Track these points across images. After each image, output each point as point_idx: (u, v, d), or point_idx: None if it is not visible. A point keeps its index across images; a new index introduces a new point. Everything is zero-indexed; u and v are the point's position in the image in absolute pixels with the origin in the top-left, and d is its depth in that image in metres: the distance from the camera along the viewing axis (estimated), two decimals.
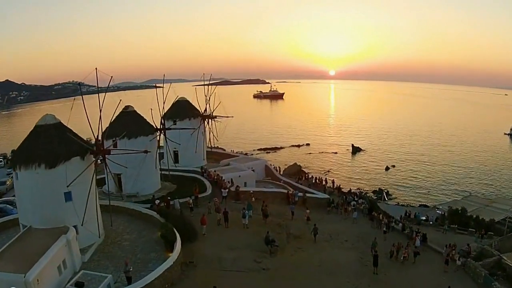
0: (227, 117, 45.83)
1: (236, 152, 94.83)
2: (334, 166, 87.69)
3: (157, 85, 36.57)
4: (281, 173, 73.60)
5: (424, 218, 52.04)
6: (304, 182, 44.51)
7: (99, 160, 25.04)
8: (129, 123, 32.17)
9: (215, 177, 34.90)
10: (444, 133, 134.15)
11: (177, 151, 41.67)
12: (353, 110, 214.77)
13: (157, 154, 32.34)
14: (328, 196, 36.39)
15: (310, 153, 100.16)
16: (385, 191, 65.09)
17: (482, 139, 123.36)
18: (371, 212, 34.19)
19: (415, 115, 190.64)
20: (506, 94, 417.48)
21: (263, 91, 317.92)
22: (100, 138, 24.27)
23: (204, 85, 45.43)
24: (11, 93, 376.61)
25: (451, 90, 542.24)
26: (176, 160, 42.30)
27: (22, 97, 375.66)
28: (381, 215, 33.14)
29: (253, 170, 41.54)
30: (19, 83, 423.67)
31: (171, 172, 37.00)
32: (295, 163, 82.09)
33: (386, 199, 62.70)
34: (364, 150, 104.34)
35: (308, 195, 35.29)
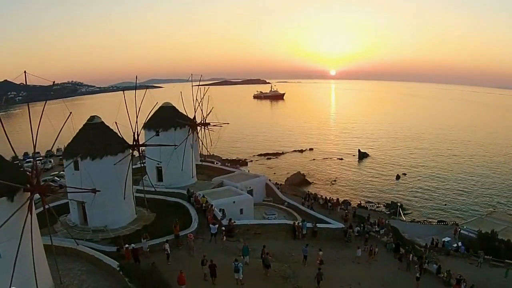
0: (221, 125, 39.18)
1: (234, 159, 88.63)
2: (340, 174, 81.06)
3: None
4: (284, 184, 67.40)
5: (449, 240, 46.08)
6: (311, 204, 37.56)
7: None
8: (94, 139, 25.51)
9: (204, 204, 28.20)
10: (453, 136, 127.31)
11: (161, 167, 34.97)
12: (356, 112, 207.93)
13: (127, 181, 25.56)
14: (343, 226, 29.67)
15: (314, 159, 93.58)
16: (399, 205, 58.32)
17: (493, 143, 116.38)
18: (398, 249, 27.45)
19: (420, 116, 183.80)
20: None
21: (263, 92, 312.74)
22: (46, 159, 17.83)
23: (195, 85, 38.96)
24: (9, 93, 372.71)
25: (456, 90, 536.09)
26: (159, 177, 35.65)
27: (20, 97, 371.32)
28: (411, 254, 26.42)
29: (251, 190, 34.87)
30: (18, 83, 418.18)
31: (151, 196, 30.38)
32: (299, 172, 75.76)
33: (402, 214, 56.09)
34: (371, 156, 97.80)
35: (319, 225, 28.55)
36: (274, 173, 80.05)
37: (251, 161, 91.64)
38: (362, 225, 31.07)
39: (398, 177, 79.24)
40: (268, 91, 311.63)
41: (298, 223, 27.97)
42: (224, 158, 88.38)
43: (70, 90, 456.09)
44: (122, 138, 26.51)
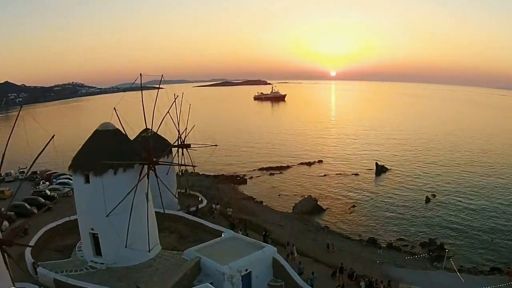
0: (194, 166, 25.04)
1: (230, 175, 72.29)
2: (359, 196, 66.43)
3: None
4: (293, 212, 53.16)
5: None
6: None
7: None
8: None
9: None
10: (473, 145, 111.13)
11: (97, 234, 20.70)
12: (362, 115, 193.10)
13: None
14: None
15: (325, 175, 79.18)
16: (446, 248, 43.80)
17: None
18: None
19: (430, 120, 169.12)
20: None
21: (264, 93, 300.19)
22: None
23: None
24: (9, 95, 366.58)
25: (460, 91, 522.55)
26: (97, 250, 21.41)
27: (20, 99, 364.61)
28: None
29: (248, 273, 20.73)
30: (19, 84, 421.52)
31: None
32: (310, 196, 61.54)
33: (452, 263, 41.49)
34: (390, 170, 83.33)
35: None
36: (279, 195, 66.08)
37: (251, 177, 77.40)
38: None
39: (427, 200, 64.74)
40: (269, 92, 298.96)
41: None
42: (218, 174, 74.19)
43: (71, 91, 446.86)
44: None
